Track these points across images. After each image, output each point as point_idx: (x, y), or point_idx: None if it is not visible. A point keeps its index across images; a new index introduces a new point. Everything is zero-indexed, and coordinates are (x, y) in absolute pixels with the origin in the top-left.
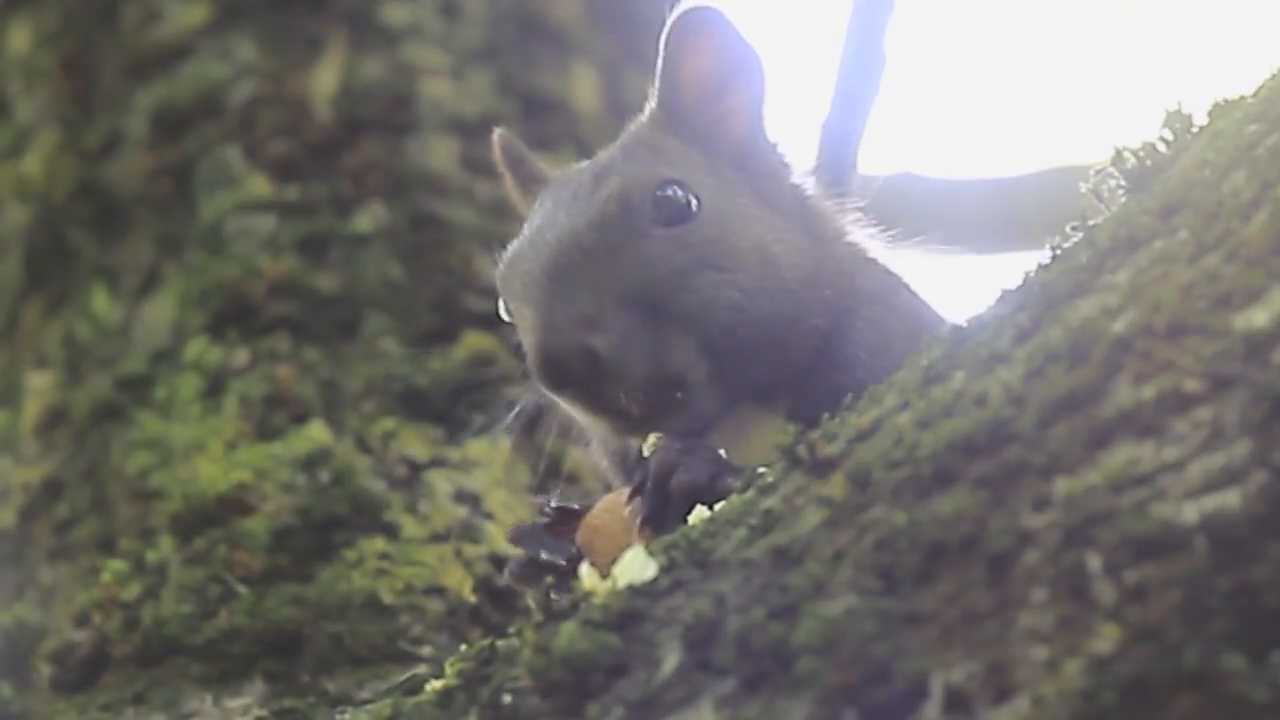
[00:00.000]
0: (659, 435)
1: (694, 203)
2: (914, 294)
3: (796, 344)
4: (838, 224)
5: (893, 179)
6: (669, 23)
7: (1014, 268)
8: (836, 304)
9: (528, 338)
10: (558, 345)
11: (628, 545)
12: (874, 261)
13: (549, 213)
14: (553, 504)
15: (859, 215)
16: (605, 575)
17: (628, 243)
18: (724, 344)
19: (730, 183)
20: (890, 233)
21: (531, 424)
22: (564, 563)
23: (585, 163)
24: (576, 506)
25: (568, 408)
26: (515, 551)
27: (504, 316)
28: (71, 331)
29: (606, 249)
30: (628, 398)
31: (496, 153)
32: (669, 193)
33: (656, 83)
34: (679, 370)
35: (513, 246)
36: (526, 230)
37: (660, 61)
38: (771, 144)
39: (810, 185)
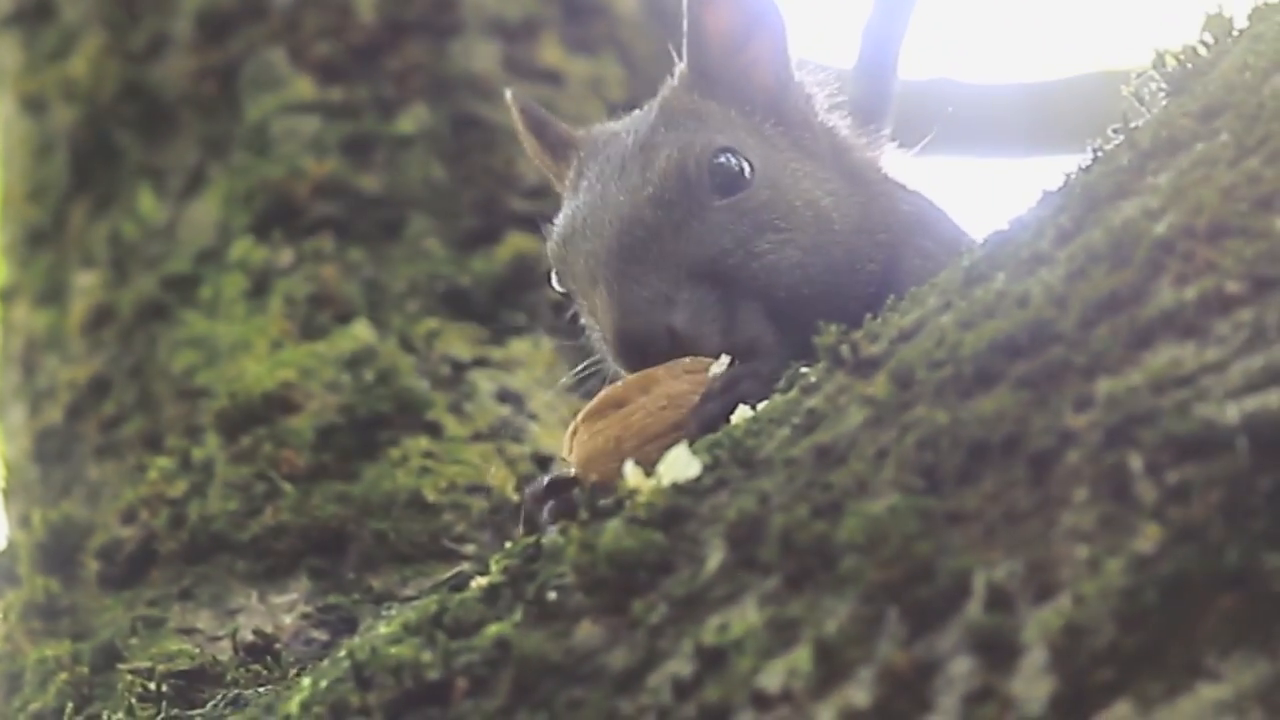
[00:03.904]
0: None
1: (747, 169)
2: (943, 211)
3: (854, 291)
4: (870, 156)
5: (930, 84)
6: None
7: (1050, 171)
8: (887, 242)
9: (605, 320)
10: (638, 327)
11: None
12: (905, 186)
13: (598, 189)
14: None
15: (888, 144)
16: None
17: (690, 217)
18: (789, 303)
19: (771, 139)
20: (925, 141)
21: (573, 324)
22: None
23: (617, 125)
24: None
25: None
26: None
27: (557, 288)
28: (118, 231)
29: (670, 226)
30: None
31: (516, 118)
32: (722, 160)
33: (684, 43)
34: (752, 336)
35: (564, 221)
36: (577, 205)
37: (685, 22)
38: (799, 86)
39: (838, 121)
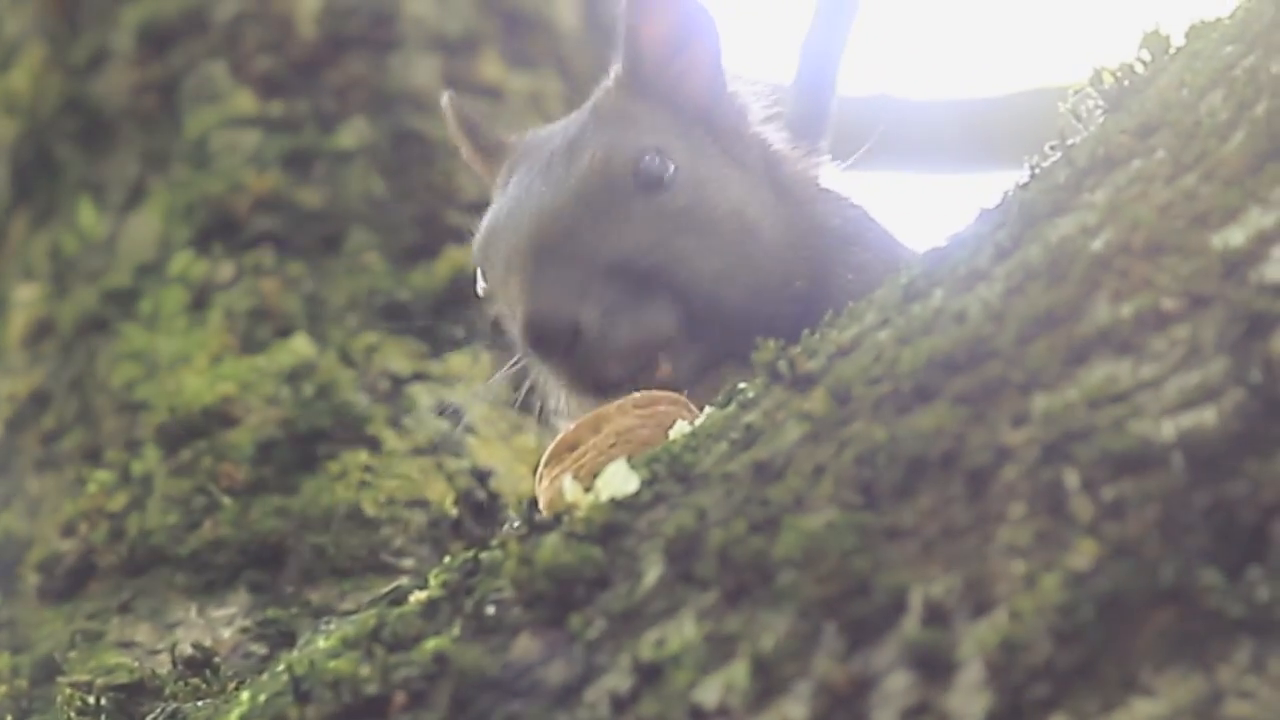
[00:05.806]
0: None
1: (671, 170)
2: (879, 225)
3: (779, 308)
4: (801, 168)
5: (869, 100)
6: None
7: (989, 188)
8: (815, 261)
9: (515, 308)
10: (546, 317)
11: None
12: (841, 198)
13: (524, 185)
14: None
15: (824, 158)
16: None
17: (610, 214)
18: (710, 309)
19: (700, 145)
20: (863, 156)
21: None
22: None
23: (551, 127)
24: None
25: (550, 375)
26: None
27: (480, 290)
28: (58, 245)
29: (589, 220)
30: (609, 365)
31: (449, 120)
32: (647, 161)
33: (620, 48)
34: (661, 338)
35: (488, 220)
36: (501, 203)
37: (621, 27)
38: (731, 96)
39: (770, 133)
